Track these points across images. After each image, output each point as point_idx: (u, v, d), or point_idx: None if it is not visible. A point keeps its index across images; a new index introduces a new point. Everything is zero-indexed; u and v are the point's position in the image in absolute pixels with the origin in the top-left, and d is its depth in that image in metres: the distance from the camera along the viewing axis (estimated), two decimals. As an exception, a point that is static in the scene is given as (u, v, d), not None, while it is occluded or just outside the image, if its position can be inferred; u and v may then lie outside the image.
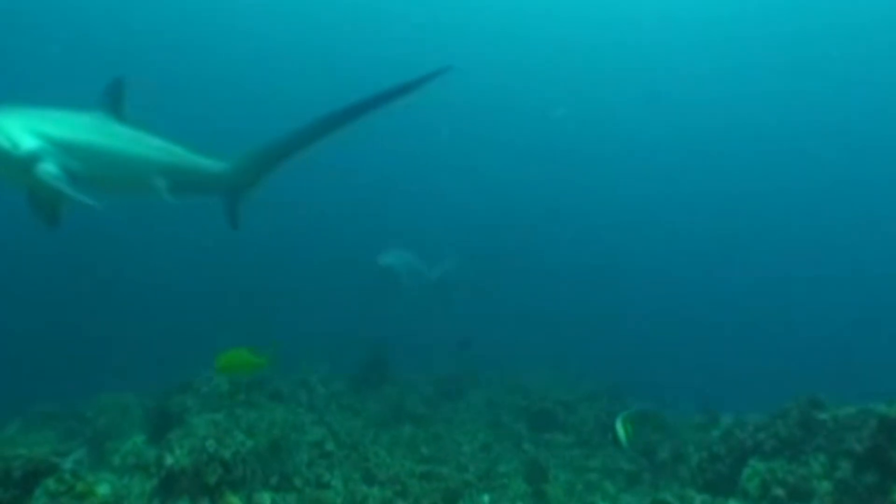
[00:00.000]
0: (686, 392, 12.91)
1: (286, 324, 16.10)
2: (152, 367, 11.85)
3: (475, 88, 33.36)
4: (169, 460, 6.68)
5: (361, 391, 11.93)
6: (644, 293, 26.55)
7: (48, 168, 6.35)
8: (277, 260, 23.80)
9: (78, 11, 27.84)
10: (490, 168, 33.29)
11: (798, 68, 30.95)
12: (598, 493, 8.46)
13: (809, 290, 27.78)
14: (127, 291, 19.40)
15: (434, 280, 16.12)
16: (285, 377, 11.36)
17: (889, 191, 32.80)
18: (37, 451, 6.86)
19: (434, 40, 31.74)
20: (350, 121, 7.14)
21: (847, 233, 32.50)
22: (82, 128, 6.87)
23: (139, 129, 7.37)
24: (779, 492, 7.19)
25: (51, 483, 6.19)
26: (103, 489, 6.64)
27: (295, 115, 7.60)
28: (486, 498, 7.79)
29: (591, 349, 16.22)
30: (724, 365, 16.88)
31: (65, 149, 6.55)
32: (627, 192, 34.51)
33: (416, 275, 15.47)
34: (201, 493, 6.54)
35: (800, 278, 29.29)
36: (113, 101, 7.22)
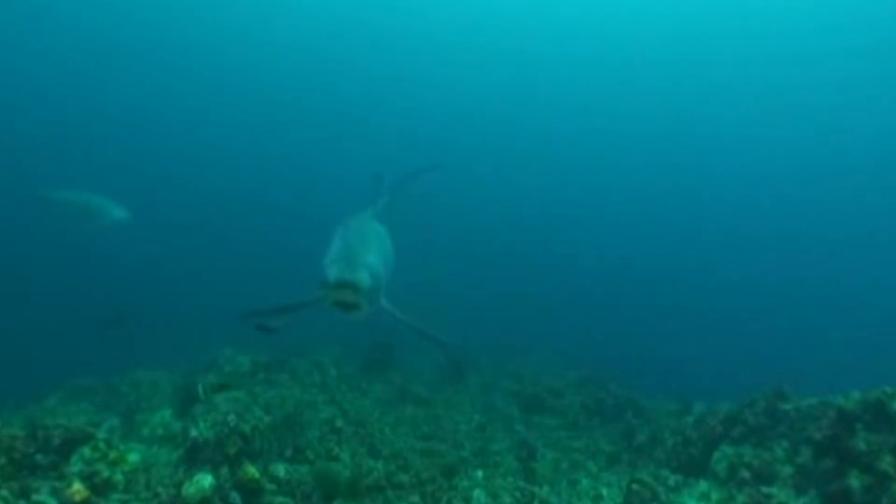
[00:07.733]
0: (664, 381, 13.59)
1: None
2: (184, 347, 12.58)
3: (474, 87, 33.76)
4: (194, 432, 7.30)
5: (369, 374, 12.74)
6: (637, 289, 27.17)
7: None
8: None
9: None
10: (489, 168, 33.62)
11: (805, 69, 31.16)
12: (582, 471, 9.19)
13: (786, 290, 28.01)
14: (164, 274, 20.14)
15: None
16: (301, 358, 12.21)
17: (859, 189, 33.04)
18: (74, 421, 7.53)
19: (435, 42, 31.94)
20: None
21: (823, 229, 32.72)
22: None
23: None
24: (745, 474, 7.89)
25: (86, 450, 6.81)
26: (134, 457, 7.25)
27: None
28: (479, 473, 8.42)
29: (582, 340, 16.94)
30: (702, 357, 17.49)
31: None
32: (622, 187, 35.24)
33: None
34: (222, 463, 7.10)
35: (778, 277, 29.55)
36: None
